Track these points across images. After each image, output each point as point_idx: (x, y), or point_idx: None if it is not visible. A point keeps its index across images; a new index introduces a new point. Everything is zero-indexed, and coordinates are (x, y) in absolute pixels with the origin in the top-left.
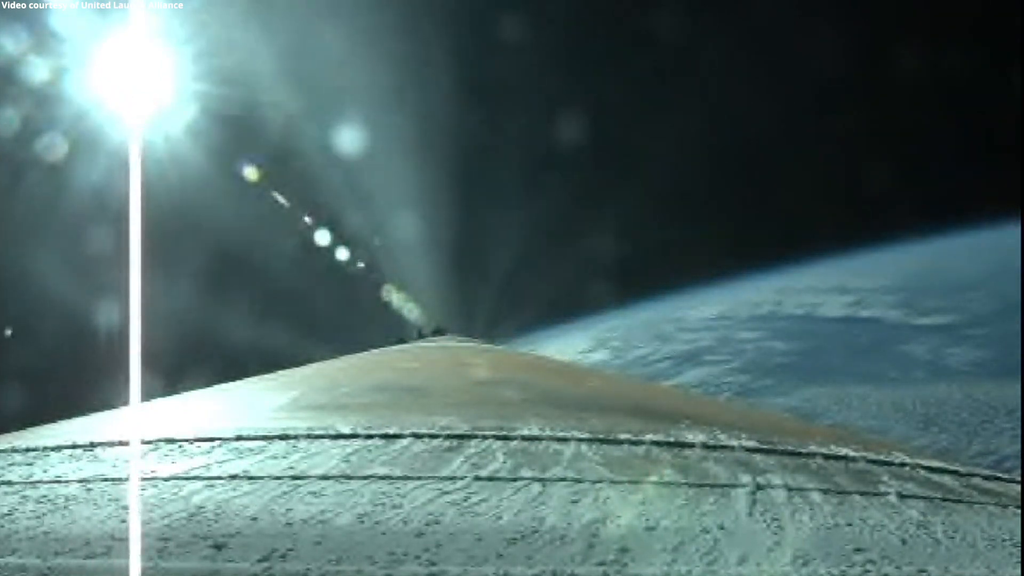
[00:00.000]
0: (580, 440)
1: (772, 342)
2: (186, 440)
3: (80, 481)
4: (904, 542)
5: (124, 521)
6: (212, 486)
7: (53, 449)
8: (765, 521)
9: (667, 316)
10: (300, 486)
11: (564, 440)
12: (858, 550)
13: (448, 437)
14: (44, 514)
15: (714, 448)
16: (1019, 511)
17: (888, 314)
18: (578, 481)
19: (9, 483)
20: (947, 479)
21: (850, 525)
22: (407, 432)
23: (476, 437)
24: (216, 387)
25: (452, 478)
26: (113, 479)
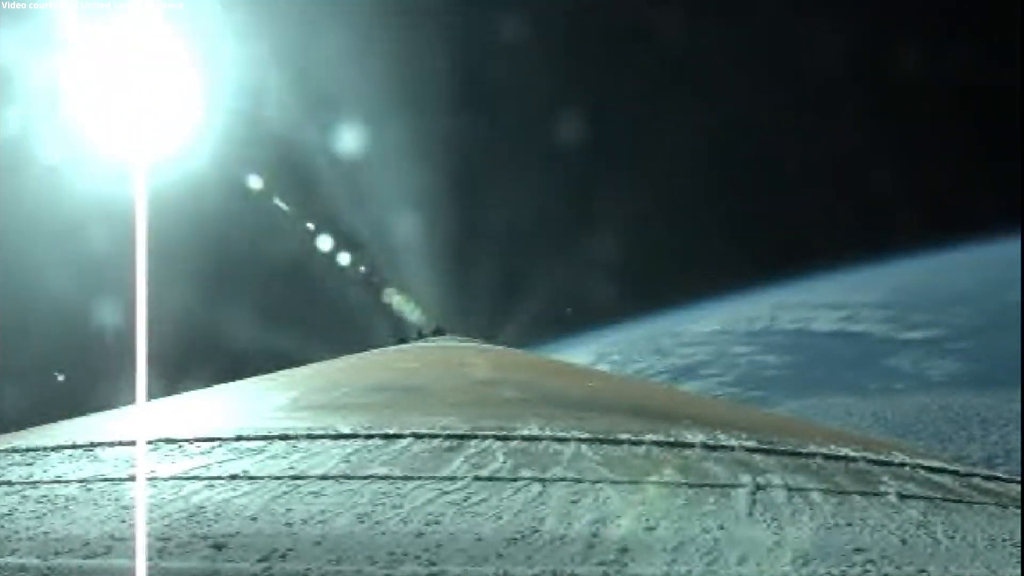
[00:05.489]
0: (580, 440)
1: (764, 356)
2: (186, 440)
3: (80, 481)
4: (904, 542)
5: (124, 521)
6: (212, 486)
7: (53, 449)
8: (765, 521)
9: (666, 330)
10: (300, 486)
11: (564, 440)
12: (858, 550)
13: (448, 437)
14: (44, 514)
15: (714, 448)
16: (1019, 511)
17: (876, 328)
18: (578, 481)
19: (9, 483)
20: (947, 479)
21: (850, 525)
22: (407, 432)
23: (476, 437)
24: (216, 387)
25: (452, 478)
26: (113, 479)
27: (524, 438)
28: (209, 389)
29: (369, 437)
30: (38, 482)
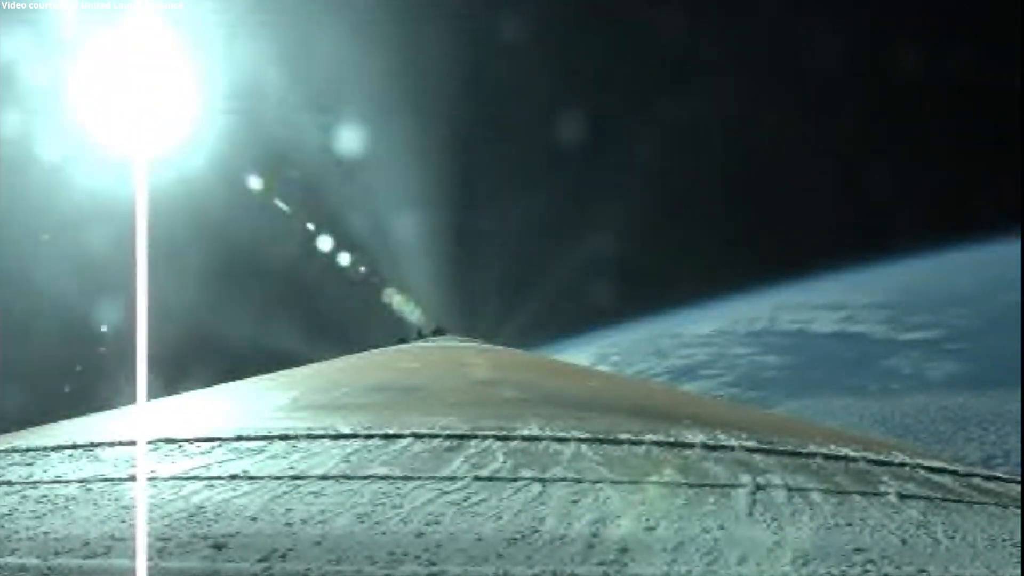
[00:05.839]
0: (580, 440)
1: (764, 357)
2: (186, 440)
3: (80, 481)
4: (904, 542)
5: (124, 521)
6: (212, 486)
7: (53, 449)
8: (765, 521)
9: (667, 331)
10: (300, 486)
11: (564, 440)
12: (858, 550)
13: (448, 437)
14: (44, 514)
15: (714, 448)
16: (1019, 511)
17: (875, 329)
18: (578, 481)
19: (9, 483)
20: (947, 479)
21: (850, 525)
22: (407, 432)
23: (476, 437)
24: (216, 387)
25: (452, 478)
26: (113, 479)
27: (524, 438)
28: (209, 389)
29: (369, 437)
30: (38, 482)
